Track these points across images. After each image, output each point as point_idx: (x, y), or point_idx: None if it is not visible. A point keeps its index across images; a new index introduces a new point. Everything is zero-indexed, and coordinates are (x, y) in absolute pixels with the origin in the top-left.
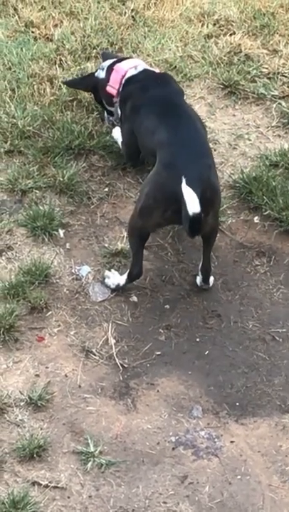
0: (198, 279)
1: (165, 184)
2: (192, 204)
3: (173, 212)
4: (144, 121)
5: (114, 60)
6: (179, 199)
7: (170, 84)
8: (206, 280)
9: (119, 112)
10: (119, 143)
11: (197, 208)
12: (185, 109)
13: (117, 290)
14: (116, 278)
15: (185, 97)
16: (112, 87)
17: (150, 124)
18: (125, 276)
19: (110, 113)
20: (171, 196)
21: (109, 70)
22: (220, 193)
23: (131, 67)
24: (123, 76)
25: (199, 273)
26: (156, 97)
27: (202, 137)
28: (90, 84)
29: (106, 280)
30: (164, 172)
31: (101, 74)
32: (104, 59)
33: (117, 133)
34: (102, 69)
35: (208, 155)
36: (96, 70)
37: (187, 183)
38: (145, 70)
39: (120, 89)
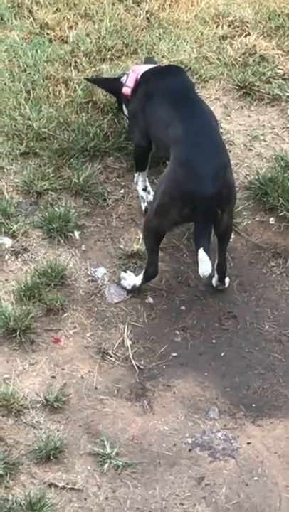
0: (214, 280)
1: (181, 181)
2: (203, 267)
3: (190, 210)
4: (158, 110)
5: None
6: (195, 197)
7: (182, 75)
8: (221, 280)
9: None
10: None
11: (208, 270)
12: (198, 103)
13: (133, 291)
14: (132, 279)
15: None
16: (128, 87)
17: (164, 115)
18: (141, 276)
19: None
20: (187, 193)
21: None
22: (235, 191)
23: (149, 68)
24: (138, 74)
25: (215, 273)
26: (169, 87)
27: (217, 134)
28: (113, 87)
29: (122, 281)
30: (180, 170)
31: (124, 79)
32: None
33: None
34: (128, 75)
35: (223, 153)
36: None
37: (204, 181)
38: (158, 66)
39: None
